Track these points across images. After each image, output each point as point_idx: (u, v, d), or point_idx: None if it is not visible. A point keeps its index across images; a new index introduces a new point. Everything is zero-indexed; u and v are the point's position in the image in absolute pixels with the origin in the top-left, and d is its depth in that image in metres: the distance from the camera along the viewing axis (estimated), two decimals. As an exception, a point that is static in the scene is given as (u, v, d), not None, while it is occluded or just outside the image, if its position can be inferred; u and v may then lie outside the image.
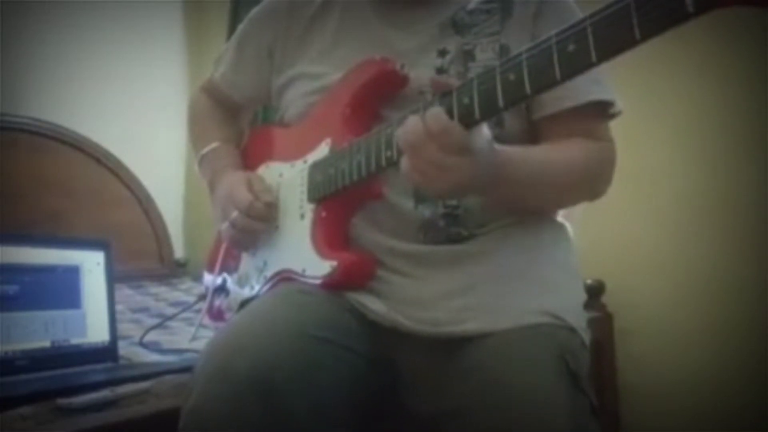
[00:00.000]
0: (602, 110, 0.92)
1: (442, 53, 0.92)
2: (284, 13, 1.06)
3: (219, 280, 1.12)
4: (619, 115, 0.94)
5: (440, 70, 0.91)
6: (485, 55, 0.90)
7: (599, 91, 0.89)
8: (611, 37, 0.60)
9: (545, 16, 0.91)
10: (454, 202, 0.88)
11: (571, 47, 0.63)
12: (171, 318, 1.46)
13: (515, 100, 0.70)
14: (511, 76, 0.68)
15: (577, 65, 0.63)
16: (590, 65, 0.62)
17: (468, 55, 0.91)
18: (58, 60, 2.45)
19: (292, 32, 1.04)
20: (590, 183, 0.93)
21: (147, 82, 2.72)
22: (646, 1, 0.57)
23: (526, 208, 0.92)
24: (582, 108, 0.88)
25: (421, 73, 0.91)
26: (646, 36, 0.57)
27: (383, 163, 0.83)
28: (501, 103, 0.70)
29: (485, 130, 0.75)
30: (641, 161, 1.88)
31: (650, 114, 1.88)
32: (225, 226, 1.00)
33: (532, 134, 0.93)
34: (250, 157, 1.12)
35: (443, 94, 0.75)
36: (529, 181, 0.84)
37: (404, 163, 0.75)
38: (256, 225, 0.98)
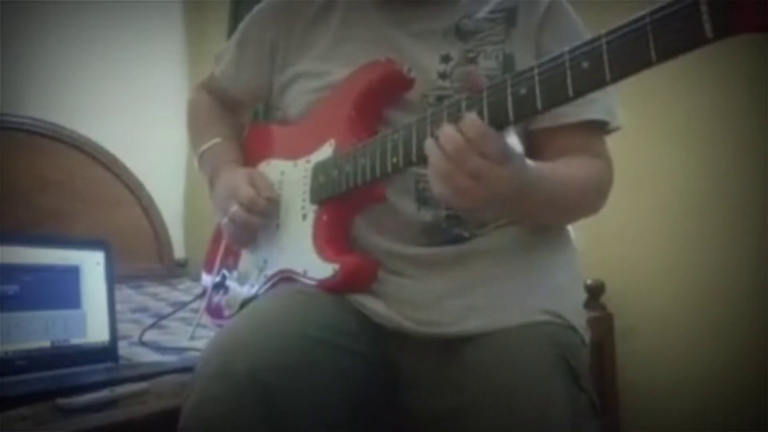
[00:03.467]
0: (599, 127, 0.92)
1: (446, 59, 0.92)
2: (286, 11, 1.06)
3: (218, 277, 1.11)
4: (617, 130, 0.94)
5: (443, 75, 0.91)
6: (488, 63, 0.91)
7: (596, 111, 0.89)
8: (627, 57, 0.59)
9: (550, 27, 0.92)
10: None
11: (585, 64, 0.62)
12: (168, 316, 1.45)
13: (525, 114, 0.69)
14: (522, 90, 0.67)
15: (590, 83, 0.63)
16: (603, 83, 0.62)
17: (471, 62, 0.91)
18: (58, 60, 2.45)
19: (294, 30, 1.04)
20: (595, 202, 0.93)
21: (147, 82, 2.72)
22: (663, 24, 0.56)
23: (534, 222, 0.91)
24: (579, 124, 0.89)
25: (423, 76, 0.91)
26: (663, 58, 0.56)
27: (388, 169, 0.82)
28: (511, 116, 0.69)
29: (515, 140, 0.74)
30: (641, 161, 1.88)
31: (650, 114, 1.88)
32: (225, 221, 1.00)
33: (531, 145, 0.92)
34: (250, 153, 1.12)
35: (449, 105, 0.74)
36: (551, 198, 0.83)
37: (436, 180, 0.72)
38: (256, 220, 0.98)
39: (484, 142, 0.69)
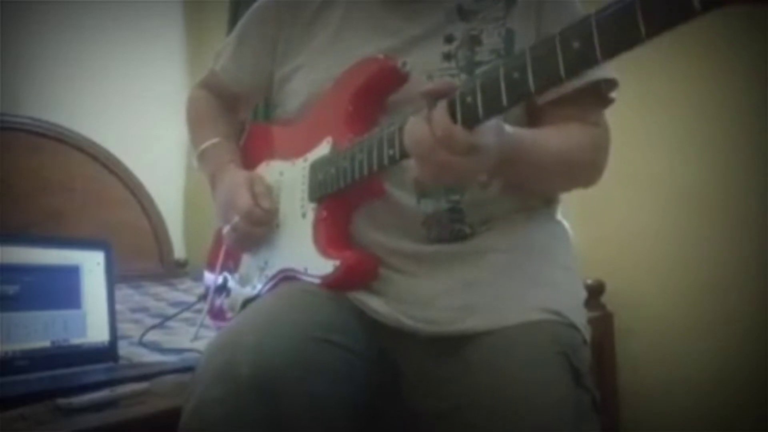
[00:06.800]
0: (600, 94, 0.93)
1: (449, 39, 0.92)
2: (287, 7, 1.06)
3: (220, 279, 1.11)
4: (613, 102, 0.95)
5: (447, 56, 0.92)
6: (491, 40, 0.91)
7: (598, 72, 0.89)
8: (616, 35, 0.59)
9: (548, 3, 0.92)
10: (456, 197, 0.88)
11: (575, 44, 0.62)
12: (171, 318, 1.45)
13: (519, 98, 0.70)
14: (515, 74, 0.68)
15: (581, 63, 0.63)
16: (595, 62, 0.62)
17: (474, 40, 0.91)
18: (58, 60, 2.46)
19: (295, 25, 1.05)
20: (589, 167, 0.94)
21: (147, 81, 2.72)
22: None
23: (527, 188, 0.92)
24: (582, 91, 0.89)
25: (428, 58, 0.91)
26: (652, 33, 0.57)
27: (385, 161, 0.83)
28: (505, 102, 0.69)
29: (492, 125, 0.75)
30: (641, 161, 1.88)
31: (649, 113, 1.88)
32: (226, 229, 1.01)
33: (532, 117, 0.93)
34: (249, 155, 1.12)
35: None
36: (536, 163, 0.85)
37: (413, 165, 0.77)
38: (257, 230, 0.99)
39: (450, 141, 0.72)
